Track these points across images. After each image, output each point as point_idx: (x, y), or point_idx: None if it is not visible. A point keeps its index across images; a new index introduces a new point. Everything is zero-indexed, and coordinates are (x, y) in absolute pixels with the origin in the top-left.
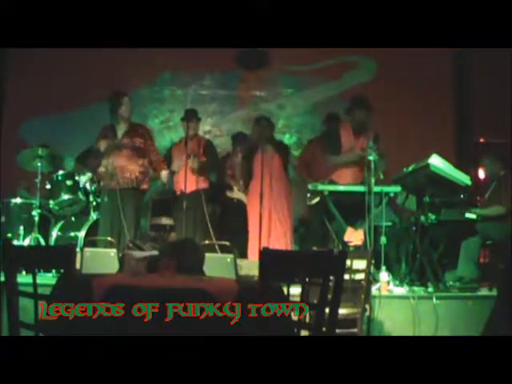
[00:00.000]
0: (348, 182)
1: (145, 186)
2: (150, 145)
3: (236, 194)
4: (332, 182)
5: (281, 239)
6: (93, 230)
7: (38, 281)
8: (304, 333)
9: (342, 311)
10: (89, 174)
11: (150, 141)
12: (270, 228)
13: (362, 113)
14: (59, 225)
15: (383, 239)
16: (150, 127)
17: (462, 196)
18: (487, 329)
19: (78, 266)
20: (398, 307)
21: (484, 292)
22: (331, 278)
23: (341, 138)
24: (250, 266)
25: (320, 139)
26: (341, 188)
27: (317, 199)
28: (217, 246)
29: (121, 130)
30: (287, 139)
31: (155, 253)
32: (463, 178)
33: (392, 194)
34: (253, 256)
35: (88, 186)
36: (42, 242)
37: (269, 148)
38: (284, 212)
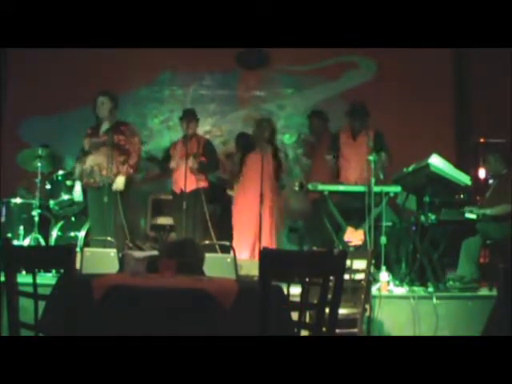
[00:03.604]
0: (354, 183)
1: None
2: (132, 144)
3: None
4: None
5: (268, 240)
6: None
7: (38, 281)
8: (304, 333)
9: (342, 311)
10: (77, 182)
11: (133, 139)
12: (260, 228)
13: (359, 117)
14: (59, 225)
15: (383, 239)
16: (150, 127)
17: (462, 196)
18: (487, 329)
19: (78, 265)
20: (398, 307)
21: (484, 292)
22: (331, 278)
23: (340, 144)
24: (250, 266)
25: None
26: (341, 188)
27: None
28: (217, 246)
29: (103, 128)
30: (287, 139)
31: (155, 253)
32: (463, 178)
33: (392, 194)
34: (241, 254)
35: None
36: (42, 242)
37: (269, 149)
38: (271, 212)
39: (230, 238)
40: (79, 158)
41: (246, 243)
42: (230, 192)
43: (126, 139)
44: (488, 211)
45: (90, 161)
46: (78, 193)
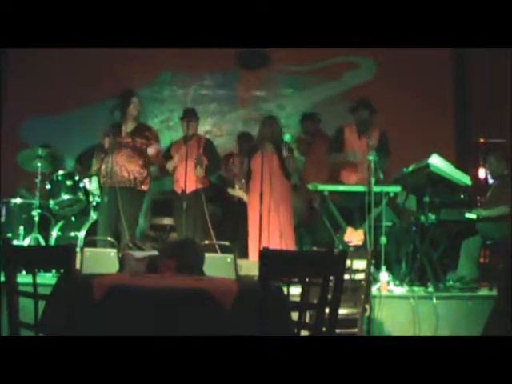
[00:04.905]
0: (354, 182)
1: (144, 187)
2: (154, 149)
3: (238, 192)
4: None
5: (281, 239)
6: (93, 230)
7: (38, 281)
8: (304, 333)
9: (342, 311)
10: (94, 178)
11: (156, 144)
12: (270, 228)
13: (364, 113)
14: (59, 225)
15: (383, 239)
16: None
17: (461, 196)
18: (487, 329)
19: (78, 265)
20: (398, 307)
21: (484, 292)
22: (331, 278)
23: (344, 139)
24: (250, 266)
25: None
26: (341, 188)
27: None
28: (217, 246)
29: (126, 128)
30: (287, 139)
31: (155, 253)
32: (463, 178)
33: (392, 194)
34: (253, 256)
35: (88, 186)
36: (42, 242)
37: (270, 147)
38: (284, 212)
39: (232, 238)
40: (98, 155)
41: (263, 245)
42: (231, 191)
43: (148, 143)
44: (484, 212)
45: (112, 160)
46: (93, 187)
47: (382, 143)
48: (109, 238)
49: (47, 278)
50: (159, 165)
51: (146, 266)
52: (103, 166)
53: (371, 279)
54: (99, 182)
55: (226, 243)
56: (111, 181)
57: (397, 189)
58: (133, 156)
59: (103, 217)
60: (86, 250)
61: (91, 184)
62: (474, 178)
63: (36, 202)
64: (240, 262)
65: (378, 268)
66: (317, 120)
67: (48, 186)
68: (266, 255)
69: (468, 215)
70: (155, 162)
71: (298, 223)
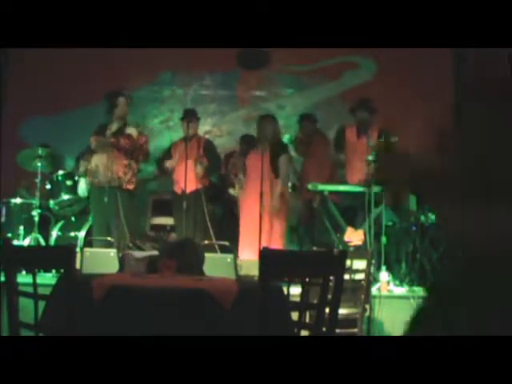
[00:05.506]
0: (358, 182)
1: (129, 186)
2: (139, 146)
3: (238, 192)
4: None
5: (278, 240)
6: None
7: (38, 281)
8: (304, 333)
9: (342, 311)
10: (82, 179)
11: (141, 142)
12: (270, 228)
13: (364, 114)
14: (59, 225)
15: (383, 239)
16: (150, 127)
17: None
18: (415, 327)
19: (78, 265)
20: (398, 307)
21: None
22: (331, 278)
23: (345, 139)
24: (250, 266)
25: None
26: (341, 188)
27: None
28: (217, 246)
29: (111, 128)
30: (287, 139)
31: (155, 253)
32: None
33: None
34: (244, 255)
35: (81, 187)
36: (42, 242)
37: (266, 147)
38: (280, 212)
39: (230, 238)
40: (84, 156)
41: (254, 243)
42: (231, 191)
43: (131, 143)
44: None
45: (96, 160)
46: (82, 189)
47: (385, 141)
48: (108, 238)
49: (47, 278)
50: (143, 159)
51: (146, 266)
52: (88, 167)
53: (371, 279)
54: (86, 182)
55: (226, 243)
56: (97, 180)
57: None
58: (116, 156)
59: (93, 216)
60: (86, 249)
61: (80, 184)
62: None
63: (36, 202)
64: (240, 262)
65: (378, 268)
66: (314, 120)
67: (48, 186)
68: (266, 255)
69: None
70: (142, 160)
71: (298, 223)
